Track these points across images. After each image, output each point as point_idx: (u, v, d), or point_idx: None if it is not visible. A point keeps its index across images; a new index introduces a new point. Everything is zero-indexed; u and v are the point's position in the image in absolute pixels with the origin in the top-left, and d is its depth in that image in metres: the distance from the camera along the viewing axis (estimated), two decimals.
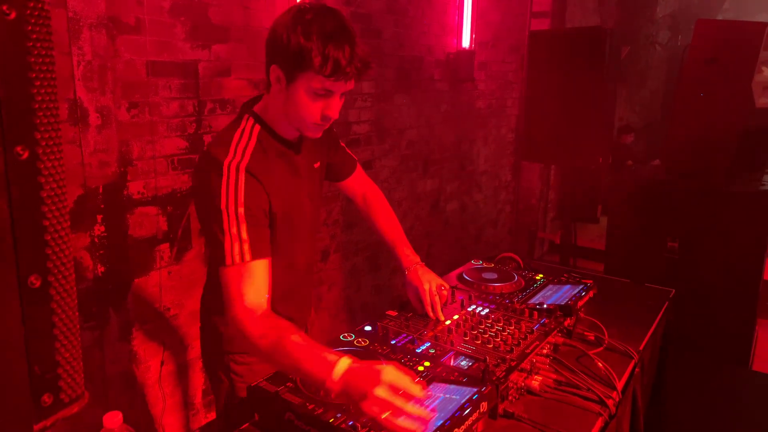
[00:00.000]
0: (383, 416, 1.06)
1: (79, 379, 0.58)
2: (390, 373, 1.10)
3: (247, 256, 1.30)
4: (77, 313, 0.58)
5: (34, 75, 0.50)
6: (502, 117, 5.13)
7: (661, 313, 1.95)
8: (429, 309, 1.67)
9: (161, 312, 2.70)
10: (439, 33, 4.12)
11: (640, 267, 3.48)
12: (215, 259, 1.34)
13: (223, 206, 1.30)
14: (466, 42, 4.21)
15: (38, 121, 0.52)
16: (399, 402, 1.06)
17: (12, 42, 0.49)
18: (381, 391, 1.07)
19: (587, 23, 5.69)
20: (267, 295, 1.33)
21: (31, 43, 0.50)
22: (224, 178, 1.32)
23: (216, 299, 1.41)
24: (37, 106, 0.51)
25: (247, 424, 1.32)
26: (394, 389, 1.08)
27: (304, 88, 1.31)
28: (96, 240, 2.39)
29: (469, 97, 4.68)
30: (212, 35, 2.71)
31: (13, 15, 0.48)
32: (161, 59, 2.52)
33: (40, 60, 0.51)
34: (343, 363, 1.14)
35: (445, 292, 1.72)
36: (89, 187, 2.34)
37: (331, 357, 1.16)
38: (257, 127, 1.44)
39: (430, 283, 1.70)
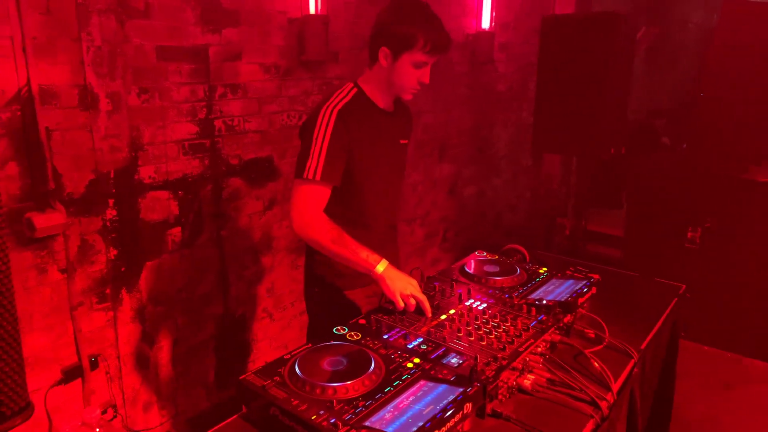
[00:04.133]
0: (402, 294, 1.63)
1: (22, 392, 0.58)
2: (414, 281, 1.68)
3: (318, 176, 1.67)
4: (18, 329, 0.58)
5: None
6: (524, 100, 5.00)
7: (669, 309, 1.90)
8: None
9: (173, 294, 2.75)
10: (458, 14, 4.02)
11: (658, 255, 3.39)
12: (295, 173, 1.72)
13: (314, 136, 1.70)
14: (485, 23, 4.10)
15: None
16: (418, 293, 1.64)
17: None
18: (411, 286, 1.65)
19: (616, 3, 5.46)
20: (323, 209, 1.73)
21: None
22: (320, 116, 1.71)
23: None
24: None
25: (235, 416, 1.34)
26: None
27: (409, 62, 1.70)
28: (108, 224, 2.44)
29: (488, 80, 4.57)
30: (223, 19, 2.69)
31: None
32: (171, 44, 2.52)
33: None
34: (383, 263, 1.68)
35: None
36: (101, 171, 2.38)
37: (375, 256, 1.68)
38: (354, 90, 1.80)
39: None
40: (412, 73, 1.72)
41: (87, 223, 2.37)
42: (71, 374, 2.39)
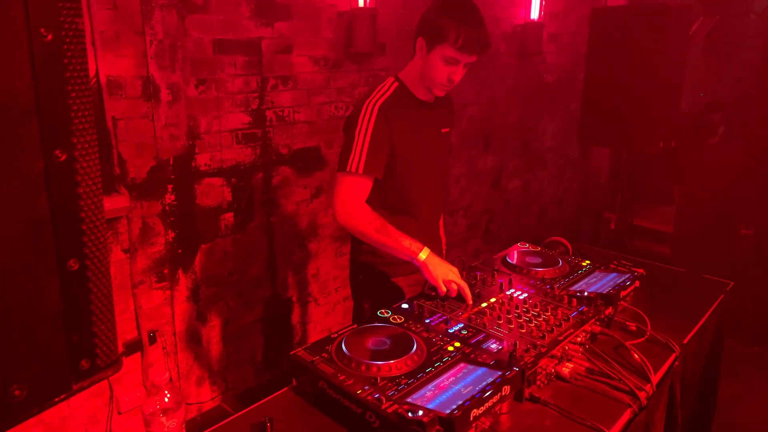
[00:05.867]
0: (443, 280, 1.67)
1: (114, 347, 0.67)
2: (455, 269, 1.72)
3: (361, 169, 1.73)
4: (112, 291, 0.66)
5: (70, 87, 0.58)
6: (573, 92, 4.93)
7: (714, 306, 1.87)
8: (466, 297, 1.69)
9: (225, 276, 2.89)
10: (507, 4, 3.99)
11: (708, 253, 3.30)
12: (338, 166, 1.78)
13: (357, 130, 1.76)
14: (535, 13, 4.05)
15: (74, 127, 0.60)
16: (459, 280, 1.68)
17: (50, 60, 0.56)
18: (452, 273, 1.69)
19: None
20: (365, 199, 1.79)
21: (66, 60, 0.57)
22: (362, 111, 1.77)
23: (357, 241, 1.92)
24: (73, 114, 0.59)
25: (285, 389, 1.43)
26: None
27: (440, 56, 1.72)
28: (167, 208, 2.58)
29: (536, 71, 4.53)
30: (275, 13, 2.79)
31: (50, 37, 0.56)
32: (227, 37, 2.63)
33: (76, 74, 0.58)
34: (426, 251, 1.72)
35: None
36: (161, 158, 2.52)
37: (417, 244, 1.73)
38: (396, 84, 1.86)
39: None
40: (442, 68, 1.74)
41: (148, 207, 2.52)
42: (132, 348, 2.57)
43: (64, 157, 0.59)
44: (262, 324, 3.11)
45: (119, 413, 2.57)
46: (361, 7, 3.00)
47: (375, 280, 1.96)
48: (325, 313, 3.45)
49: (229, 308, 2.95)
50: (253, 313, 3.06)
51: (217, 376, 2.97)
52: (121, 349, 2.52)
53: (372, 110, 1.76)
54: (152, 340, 2.63)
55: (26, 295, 0.58)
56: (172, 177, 2.58)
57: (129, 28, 2.31)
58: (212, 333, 2.90)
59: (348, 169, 1.74)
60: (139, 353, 2.60)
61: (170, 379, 1.11)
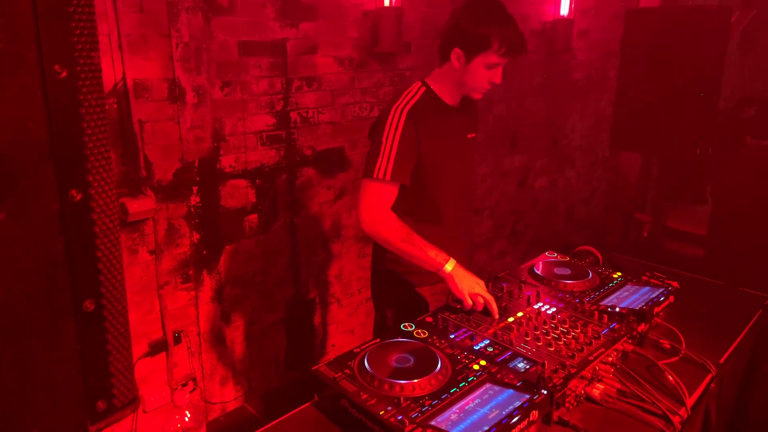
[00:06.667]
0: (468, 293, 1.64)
1: (131, 386, 0.65)
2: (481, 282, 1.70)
3: (388, 176, 1.70)
4: (129, 329, 0.64)
5: (85, 125, 0.56)
6: (603, 89, 4.80)
7: (752, 322, 1.79)
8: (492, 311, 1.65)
9: (249, 277, 2.89)
10: (536, 1, 3.90)
11: (743, 255, 3.18)
12: (364, 172, 1.74)
13: (384, 136, 1.72)
14: (565, 10, 3.94)
15: (90, 165, 0.58)
16: (485, 293, 1.64)
17: (64, 97, 0.54)
18: (478, 286, 1.66)
19: None
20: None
21: (82, 96, 0.55)
22: (389, 116, 1.74)
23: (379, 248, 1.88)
24: (88, 152, 0.57)
25: (307, 404, 1.41)
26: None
27: (483, 64, 1.71)
28: (192, 209, 2.59)
29: (565, 68, 4.42)
30: (300, 13, 2.76)
31: (64, 74, 0.53)
32: (252, 39, 2.62)
33: (91, 110, 0.56)
34: (451, 262, 1.69)
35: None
36: (186, 160, 2.53)
37: (443, 255, 1.70)
38: (423, 89, 1.83)
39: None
40: (484, 74, 1.73)
41: (174, 209, 2.53)
42: (157, 348, 2.59)
43: (80, 197, 0.57)
44: (285, 324, 3.12)
45: (144, 412, 2.61)
46: (386, 7, 2.95)
47: (399, 288, 1.93)
48: (348, 313, 3.44)
49: (253, 309, 2.95)
50: (277, 313, 3.06)
51: (240, 375, 2.98)
52: (147, 349, 2.55)
53: (400, 115, 1.73)
54: (177, 340, 2.65)
55: (41, 337, 0.57)
56: (197, 179, 2.59)
57: (155, 31, 2.31)
58: (236, 333, 2.91)
59: (375, 176, 1.71)
60: (164, 353, 2.63)
61: (194, 383, 1.10)
